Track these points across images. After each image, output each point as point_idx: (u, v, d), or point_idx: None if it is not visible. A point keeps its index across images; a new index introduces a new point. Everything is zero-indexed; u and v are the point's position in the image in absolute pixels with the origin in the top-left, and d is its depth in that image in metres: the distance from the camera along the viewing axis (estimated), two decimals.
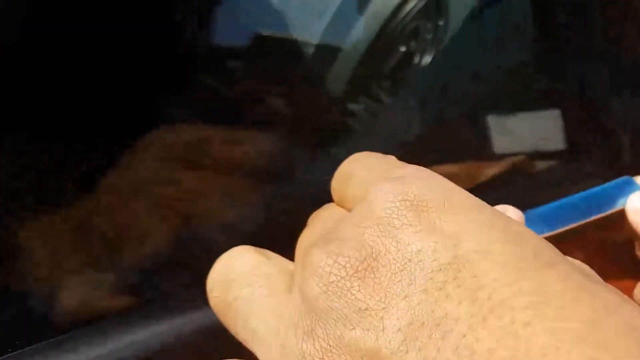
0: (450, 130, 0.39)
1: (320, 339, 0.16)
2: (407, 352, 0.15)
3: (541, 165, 0.42)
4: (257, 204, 0.29)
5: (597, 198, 0.36)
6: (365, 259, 0.16)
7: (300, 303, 0.17)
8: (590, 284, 0.15)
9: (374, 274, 0.16)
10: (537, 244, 0.16)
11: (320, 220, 0.21)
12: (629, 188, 0.36)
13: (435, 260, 0.16)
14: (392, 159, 0.21)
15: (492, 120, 0.40)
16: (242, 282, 0.19)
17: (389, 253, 0.16)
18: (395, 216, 0.17)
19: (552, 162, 0.42)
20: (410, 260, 0.16)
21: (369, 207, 0.18)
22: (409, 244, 0.16)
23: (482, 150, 0.40)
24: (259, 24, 0.32)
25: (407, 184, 0.18)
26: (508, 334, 0.14)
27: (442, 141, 0.38)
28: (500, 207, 0.25)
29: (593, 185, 0.38)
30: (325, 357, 0.16)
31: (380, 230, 0.17)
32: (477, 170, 0.39)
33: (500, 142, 0.40)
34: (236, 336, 0.20)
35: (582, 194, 0.36)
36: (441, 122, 0.38)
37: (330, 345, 0.16)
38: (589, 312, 0.14)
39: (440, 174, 0.19)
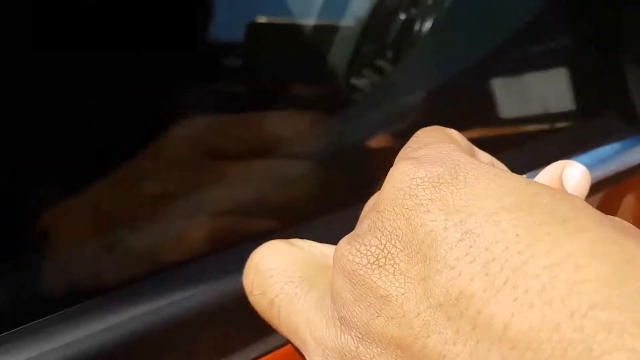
0: (456, 96, 0.38)
1: (352, 329, 0.17)
2: (428, 336, 0.15)
3: (552, 126, 0.41)
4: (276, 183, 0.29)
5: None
6: (385, 246, 0.17)
7: (332, 296, 0.18)
8: (610, 234, 0.15)
9: (394, 260, 0.16)
10: (553, 201, 0.16)
11: (363, 210, 0.21)
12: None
13: (446, 238, 0.15)
14: (436, 134, 0.20)
15: (498, 84, 0.39)
16: (283, 279, 0.20)
17: (405, 236, 0.16)
18: (408, 197, 0.17)
19: (563, 123, 0.41)
20: (423, 242, 0.16)
21: (385, 190, 0.18)
22: (420, 225, 0.16)
23: (489, 115, 0.39)
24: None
25: (419, 163, 0.18)
26: (522, 306, 0.14)
27: (448, 108, 0.38)
28: (559, 164, 0.25)
29: (606, 144, 0.38)
30: (360, 346, 0.16)
31: (395, 213, 0.17)
32: (485, 136, 0.38)
33: (508, 105, 0.39)
34: (278, 330, 0.20)
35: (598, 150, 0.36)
36: (446, 88, 0.37)
37: (362, 334, 0.16)
38: (605, 267, 0.14)
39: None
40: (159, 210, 0.25)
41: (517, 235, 0.15)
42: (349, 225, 0.21)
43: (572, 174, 0.26)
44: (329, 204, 0.29)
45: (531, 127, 0.40)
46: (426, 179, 0.17)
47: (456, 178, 0.17)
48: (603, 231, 0.15)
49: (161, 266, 0.24)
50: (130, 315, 0.21)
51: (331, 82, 0.37)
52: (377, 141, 0.35)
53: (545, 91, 0.40)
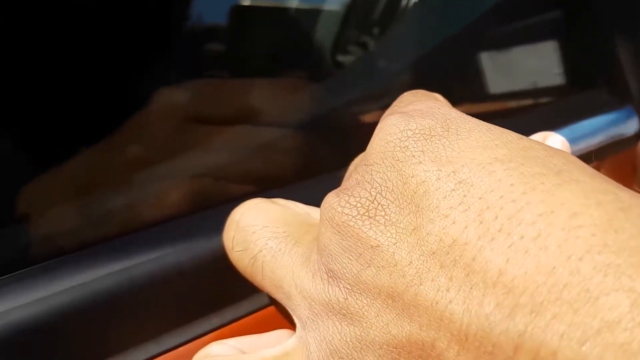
0: (442, 71, 0.37)
1: (341, 280, 0.17)
2: (420, 284, 0.15)
3: (541, 100, 0.40)
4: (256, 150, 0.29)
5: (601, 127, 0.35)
6: (375, 197, 0.17)
7: (319, 249, 0.18)
8: (604, 185, 0.15)
9: (384, 211, 0.16)
10: (546, 155, 0.16)
11: (348, 170, 0.21)
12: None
13: (439, 188, 0.15)
14: (421, 95, 0.20)
15: (485, 58, 0.38)
16: (266, 235, 0.20)
17: (396, 188, 0.16)
18: (398, 149, 0.17)
19: (551, 98, 0.41)
20: (415, 193, 0.16)
21: (375, 143, 0.18)
22: (412, 176, 0.16)
23: (476, 89, 0.39)
24: None
25: (409, 116, 0.17)
26: (517, 252, 0.14)
27: (433, 82, 0.37)
28: (540, 135, 0.25)
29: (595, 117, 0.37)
30: (348, 297, 0.16)
31: (385, 165, 0.17)
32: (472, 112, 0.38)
33: (495, 79, 0.38)
34: (261, 287, 0.20)
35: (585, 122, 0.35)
36: (431, 62, 0.37)
37: (351, 286, 0.16)
38: (601, 215, 0.14)
39: None
40: (140, 171, 0.25)
41: (512, 184, 0.15)
42: (329, 189, 0.21)
43: (552, 145, 0.26)
44: (308, 170, 0.29)
45: (519, 102, 0.40)
46: (417, 131, 0.17)
47: (447, 131, 0.17)
48: (597, 182, 0.15)
49: (138, 225, 0.24)
50: (105, 272, 0.20)
51: (316, 59, 0.37)
52: (359, 111, 0.34)
53: (534, 65, 0.40)
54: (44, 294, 0.19)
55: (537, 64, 0.40)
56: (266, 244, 0.19)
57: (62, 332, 0.19)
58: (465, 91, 0.39)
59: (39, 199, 0.22)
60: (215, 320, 0.22)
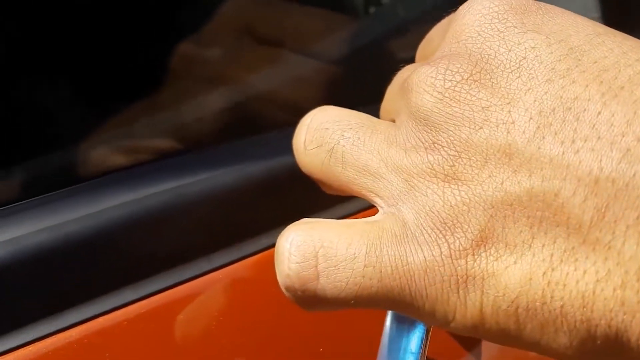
0: None
1: (445, 148, 0.17)
2: (543, 138, 0.15)
3: None
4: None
5: None
6: (476, 64, 0.17)
7: (413, 125, 0.17)
8: None
9: (490, 75, 0.17)
10: (637, 38, 0.17)
11: (402, 71, 0.21)
12: None
13: (551, 53, 0.16)
14: None
15: None
16: (340, 127, 0.20)
17: (500, 55, 0.17)
18: (497, 20, 0.17)
19: None
20: (525, 58, 0.16)
21: (464, 21, 0.18)
22: (519, 44, 0.17)
23: None
24: None
25: None
26: None
27: None
28: None
29: None
30: (455, 163, 0.16)
31: (483, 37, 0.17)
32: None
33: None
34: (336, 180, 0.19)
35: None
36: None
37: (458, 152, 0.16)
38: None
39: None
40: (195, 85, 0.25)
41: (624, 52, 0.15)
42: None
43: None
44: (349, 102, 0.29)
45: None
46: (514, 6, 0.17)
47: (541, 9, 0.17)
48: None
49: (189, 147, 0.24)
50: (158, 189, 0.21)
51: (349, 12, 0.37)
52: (396, 47, 0.34)
53: (570, 9, 0.39)
54: (99, 207, 0.20)
55: (574, 8, 0.39)
56: (342, 135, 0.19)
57: (115, 245, 0.20)
58: None
59: (97, 117, 0.23)
60: (264, 240, 0.22)
